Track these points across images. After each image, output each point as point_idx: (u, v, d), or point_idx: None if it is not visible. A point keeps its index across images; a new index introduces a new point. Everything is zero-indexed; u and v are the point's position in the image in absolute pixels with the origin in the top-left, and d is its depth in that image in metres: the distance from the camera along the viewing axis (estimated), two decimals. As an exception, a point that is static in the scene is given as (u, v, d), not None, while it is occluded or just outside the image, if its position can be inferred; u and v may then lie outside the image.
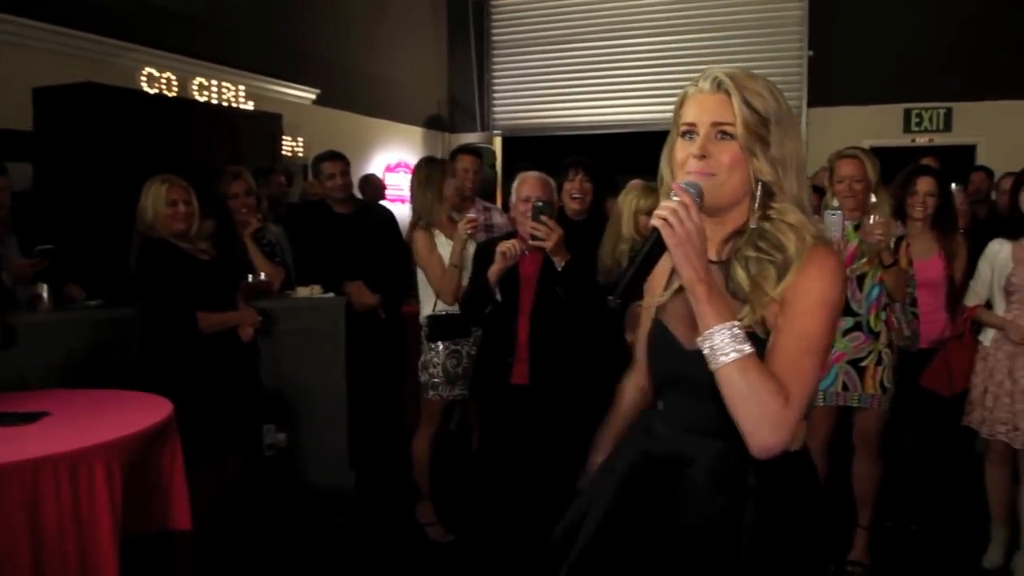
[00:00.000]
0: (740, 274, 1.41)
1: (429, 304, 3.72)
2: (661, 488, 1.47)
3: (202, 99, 5.36)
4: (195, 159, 4.71)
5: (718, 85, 1.42)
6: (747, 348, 1.31)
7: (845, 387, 3.31)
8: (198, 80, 5.34)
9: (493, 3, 8.42)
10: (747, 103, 1.39)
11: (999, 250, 3.32)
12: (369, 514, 3.99)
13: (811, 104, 7.27)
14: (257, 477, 3.73)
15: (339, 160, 4.28)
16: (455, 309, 3.58)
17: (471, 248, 3.55)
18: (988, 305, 3.40)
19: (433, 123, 8.23)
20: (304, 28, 6.39)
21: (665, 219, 1.30)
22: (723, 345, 1.31)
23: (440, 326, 3.65)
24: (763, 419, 1.31)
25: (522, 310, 3.26)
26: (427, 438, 3.75)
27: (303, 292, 4.03)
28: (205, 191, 3.57)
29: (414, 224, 3.90)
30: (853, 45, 7.10)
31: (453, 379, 3.65)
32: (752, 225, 1.42)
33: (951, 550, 3.66)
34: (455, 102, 8.50)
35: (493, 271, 3.19)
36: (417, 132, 7.99)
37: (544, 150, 7.62)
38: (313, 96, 6.33)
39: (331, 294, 4.06)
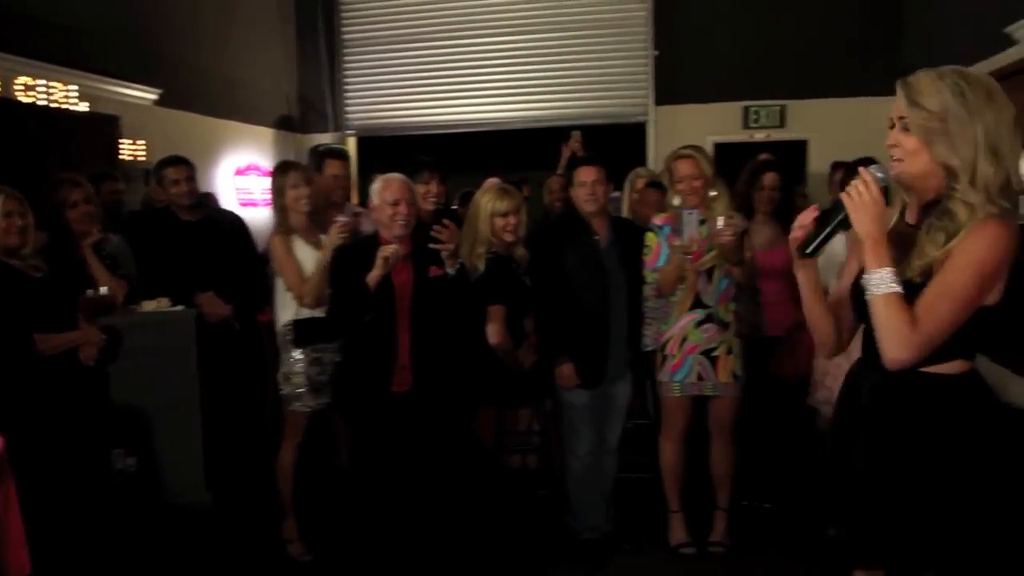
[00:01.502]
0: (919, 234, 1.81)
1: (289, 310, 3.60)
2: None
3: (28, 100, 4.96)
4: (22, 166, 4.34)
5: (899, 87, 1.82)
6: (895, 287, 1.74)
7: (700, 377, 3.45)
8: (23, 79, 4.93)
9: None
10: (913, 101, 1.78)
11: (834, 239, 3.54)
12: (230, 534, 3.81)
13: (658, 102, 7.53)
14: (108, 505, 3.50)
15: (183, 165, 4.07)
16: (319, 312, 3.48)
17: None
18: (827, 292, 3.61)
19: (284, 124, 7.98)
20: (143, 23, 6.03)
21: (848, 193, 1.79)
22: (878, 282, 1.75)
23: (305, 329, 3.54)
24: (892, 339, 1.74)
25: (400, 316, 3.22)
26: (291, 451, 3.63)
27: (149, 306, 3.80)
28: (34, 201, 3.31)
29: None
30: (695, 46, 7.40)
31: (318, 388, 3.54)
32: (942, 201, 1.78)
33: (802, 524, 3.87)
34: (306, 102, 8.27)
35: (374, 276, 3.13)
36: (267, 133, 7.72)
37: (399, 150, 7.56)
38: (155, 96, 5.99)
39: (180, 307, 3.85)
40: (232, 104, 7.07)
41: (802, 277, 2.08)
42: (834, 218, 1.86)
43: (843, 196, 1.81)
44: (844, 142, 6.32)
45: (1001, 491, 1.81)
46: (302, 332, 3.55)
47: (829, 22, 7.21)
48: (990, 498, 1.80)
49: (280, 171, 3.75)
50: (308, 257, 3.59)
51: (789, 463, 4.07)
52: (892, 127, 1.84)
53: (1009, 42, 4.86)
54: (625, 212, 4.51)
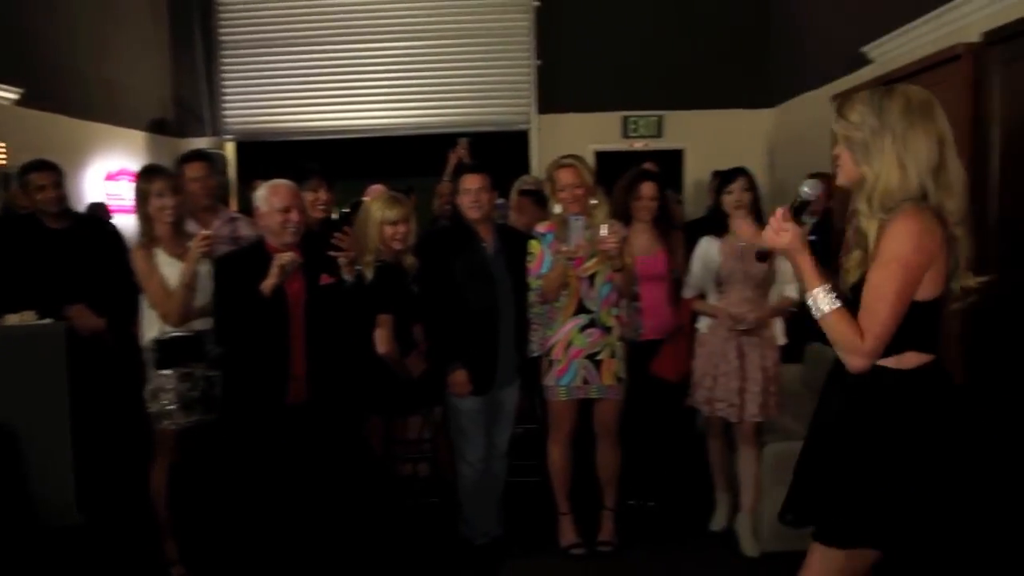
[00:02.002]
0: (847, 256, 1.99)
1: (154, 327, 3.39)
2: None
3: None
4: None
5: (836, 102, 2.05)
6: (834, 304, 1.90)
7: (585, 381, 3.54)
8: None
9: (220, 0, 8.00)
10: (840, 114, 1.96)
11: (709, 246, 3.70)
12: (105, 558, 3.63)
13: (541, 111, 7.65)
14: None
15: (50, 170, 3.85)
16: (184, 331, 3.34)
17: (204, 267, 3.36)
18: (704, 296, 3.77)
19: (158, 127, 7.66)
20: (1, 17, 5.67)
21: (767, 233, 1.99)
22: (817, 304, 1.92)
23: (169, 351, 3.34)
24: (846, 351, 1.91)
25: (294, 326, 3.15)
26: (164, 470, 3.45)
27: (13, 320, 3.58)
28: None
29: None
30: (577, 56, 7.57)
31: (189, 405, 3.37)
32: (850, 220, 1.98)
33: (685, 520, 4.03)
34: (182, 105, 7.96)
35: (269, 285, 3.05)
36: (140, 137, 7.39)
37: (282, 156, 7.39)
38: (15, 96, 5.63)
39: (48, 320, 3.64)
40: (101, 105, 6.74)
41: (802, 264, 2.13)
42: (800, 209, 2.03)
43: (766, 236, 2.00)
44: (717, 151, 6.61)
45: (948, 479, 1.92)
46: (167, 353, 3.35)
47: (703, 38, 7.52)
48: (939, 485, 1.92)
49: (145, 176, 3.50)
50: (173, 271, 3.37)
51: (672, 462, 4.23)
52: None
53: (865, 61, 5.21)
54: (512, 218, 4.56)
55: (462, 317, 3.52)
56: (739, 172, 3.65)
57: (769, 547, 3.66)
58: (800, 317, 4.19)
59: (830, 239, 5.01)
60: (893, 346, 1.91)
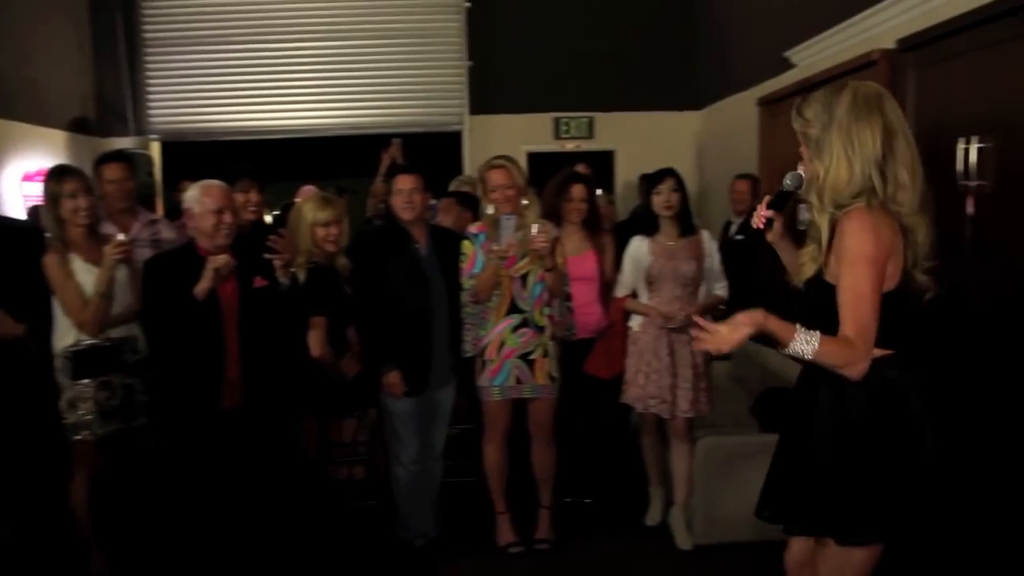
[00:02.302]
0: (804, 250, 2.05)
1: (67, 335, 3.26)
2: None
3: None
4: None
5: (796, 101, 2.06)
6: (816, 338, 1.87)
7: (519, 380, 3.56)
8: None
9: (143, -6, 7.78)
10: (798, 112, 2.04)
11: (639, 245, 3.77)
12: (30, 572, 3.51)
13: (473, 111, 7.66)
14: None
15: None
16: (101, 340, 3.24)
17: (121, 273, 3.27)
18: (635, 295, 3.84)
19: (78, 126, 7.41)
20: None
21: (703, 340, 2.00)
22: (800, 346, 1.88)
23: (84, 361, 3.23)
24: (844, 364, 1.90)
25: (227, 330, 3.10)
26: (84, 483, 3.34)
27: (-75, 327, 3.43)
28: None
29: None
30: (509, 58, 7.60)
31: (108, 414, 3.26)
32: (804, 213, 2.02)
33: (621, 515, 4.09)
34: (104, 103, 7.72)
35: (203, 288, 2.99)
36: (60, 136, 7.14)
37: (210, 156, 7.22)
38: (-77, 94, 5.41)
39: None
40: (16, 103, 6.49)
41: (783, 253, 2.28)
42: (781, 200, 2.15)
43: (701, 342, 2.01)
44: (647, 153, 6.73)
45: (907, 470, 1.98)
46: (81, 364, 3.23)
47: (633, 41, 7.64)
48: (902, 477, 1.98)
49: (55, 177, 3.31)
50: (89, 278, 3.24)
51: (606, 459, 4.29)
52: None
53: (789, 65, 5.36)
54: (439, 220, 4.50)
55: (396, 318, 3.52)
56: (667, 173, 3.73)
57: (702, 540, 3.75)
58: (728, 314, 4.31)
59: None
60: None
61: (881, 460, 1.98)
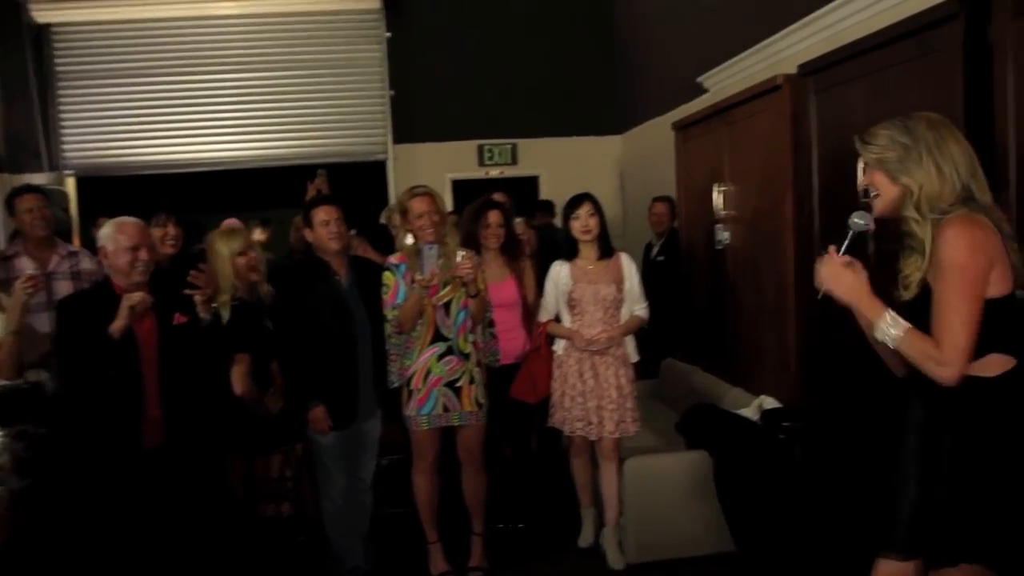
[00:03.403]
0: (901, 260, 2.03)
1: None
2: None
3: None
4: None
5: (857, 138, 2.11)
6: (904, 325, 1.94)
7: (446, 408, 3.56)
8: None
9: (55, 28, 7.59)
10: (864, 142, 2.08)
11: (560, 270, 3.82)
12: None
13: (397, 141, 7.68)
14: None
15: None
16: (15, 382, 3.14)
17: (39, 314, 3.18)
18: (558, 319, 3.88)
19: (-11, 164, 7.19)
20: None
21: (822, 276, 2.06)
22: (887, 329, 1.95)
23: (6, 404, 3.13)
24: (928, 366, 1.91)
25: (147, 368, 3.03)
26: None
27: None
28: None
29: None
30: (431, 86, 7.67)
31: (24, 466, 3.11)
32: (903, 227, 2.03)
33: (554, 539, 4.11)
34: (15, 139, 7.50)
35: (118, 327, 2.91)
36: (-32, 174, 6.92)
37: (129, 191, 7.08)
38: None
39: None
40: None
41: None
42: (855, 243, 2.11)
43: (821, 278, 2.07)
44: (571, 177, 6.83)
45: None
46: (3, 407, 3.13)
47: (554, 69, 7.79)
48: None
49: None
50: None
51: (537, 483, 4.30)
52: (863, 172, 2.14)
53: (701, 90, 5.53)
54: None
55: (319, 352, 3.48)
56: (584, 198, 3.79)
57: (634, 559, 3.79)
58: (650, 334, 4.40)
59: (680, 257, 5.27)
60: (976, 350, 1.92)
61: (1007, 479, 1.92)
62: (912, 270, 2.00)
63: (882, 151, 2.03)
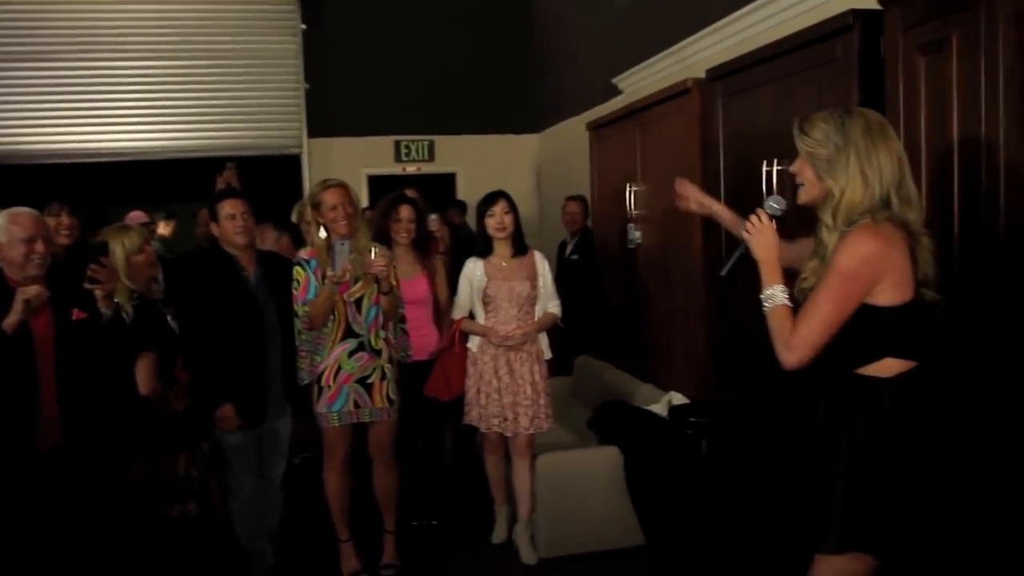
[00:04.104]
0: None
1: None
2: None
3: None
4: None
5: (796, 123, 2.12)
6: (783, 301, 2.06)
7: (357, 405, 3.53)
8: None
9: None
10: (803, 131, 2.08)
11: (474, 267, 3.83)
12: None
13: (311, 135, 7.56)
14: None
15: None
16: None
17: None
18: (472, 316, 3.89)
19: None
20: None
21: (746, 227, 2.15)
22: (770, 297, 2.07)
23: None
24: (777, 344, 2.04)
25: (43, 366, 2.90)
26: None
27: None
28: None
29: None
30: (347, 81, 7.58)
31: None
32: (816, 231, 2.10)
33: (467, 535, 4.12)
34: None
35: (12, 323, 2.78)
36: None
37: (23, 180, 6.76)
38: None
39: None
40: None
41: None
42: (737, 249, 2.23)
43: (743, 229, 2.17)
44: (488, 174, 6.87)
45: (931, 484, 1.99)
46: None
47: (473, 66, 7.79)
48: (923, 490, 1.98)
49: None
50: None
51: (450, 480, 4.31)
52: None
53: (616, 91, 5.62)
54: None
55: (226, 349, 3.40)
56: (499, 195, 3.81)
57: (546, 553, 3.83)
58: (564, 332, 4.46)
59: (593, 255, 5.35)
60: (871, 354, 2.01)
61: (904, 476, 1.99)
62: (810, 273, 2.08)
63: (815, 146, 2.05)
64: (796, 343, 2.00)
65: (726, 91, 3.64)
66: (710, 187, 3.79)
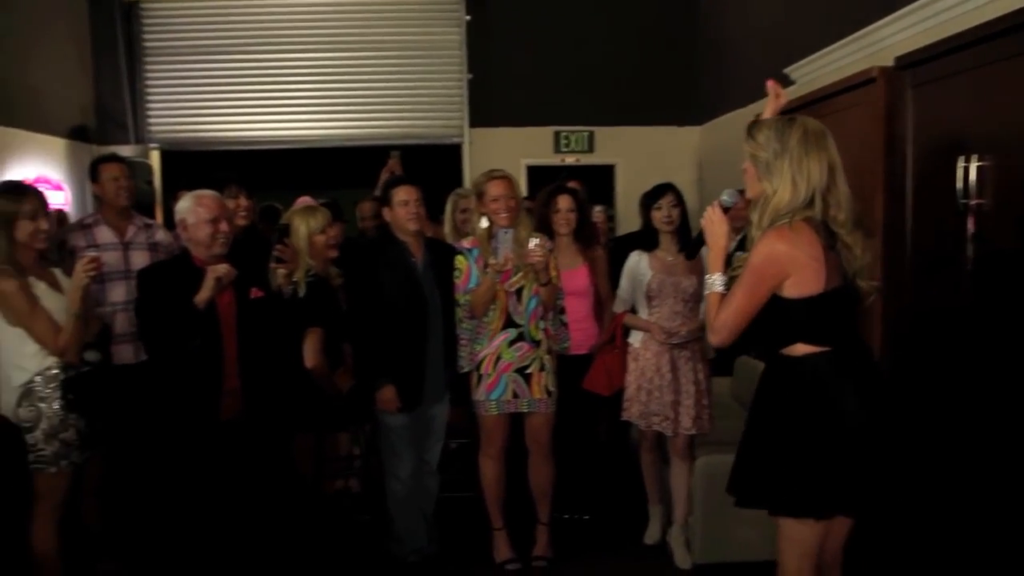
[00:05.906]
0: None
1: (26, 367, 2.97)
2: None
3: None
4: None
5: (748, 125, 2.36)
6: (719, 288, 2.32)
7: (515, 395, 3.53)
8: None
9: (144, 5, 7.78)
10: (749, 134, 2.31)
11: (638, 261, 3.75)
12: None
13: (473, 124, 7.65)
14: None
15: None
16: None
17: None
18: (634, 310, 3.81)
19: (78, 134, 7.39)
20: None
21: (703, 218, 2.40)
22: (711, 283, 2.35)
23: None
24: (708, 325, 2.35)
25: (227, 340, 3.09)
26: (53, 520, 3.04)
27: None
28: None
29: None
30: (509, 71, 7.60)
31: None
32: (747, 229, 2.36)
33: (619, 533, 4.06)
34: (104, 112, 7.71)
35: (203, 298, 2.98)
36: (59, 143, 7.13)
37: (208, 165, 7.21)
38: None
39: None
40: (16, 111, 6.49)
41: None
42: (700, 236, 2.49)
43: (704, 218, 2.42)
44: (647, 167, 6.73)
45: (836, 448, 2.21)
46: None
47: (633, 55, 7.64)
48: (829, 453, 2.21)
49: (10, 195, 3.00)
50: (51, 303, 3.00)
51: (605, 475, 4.25)
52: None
53: (788, 82, 5.35)
54: (447, 231, 4.47)
55: (391, 333, 3.48)
56: (667, 188, 3.72)
57: (701, 559, 3.71)
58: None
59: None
60: (786, 339, 2.29)
61: (797, 441, 2.24)
62: (738, 265, 2.42)
63: (757, 148, 2.27)
64: (718, 326, 2.29)
65: (916, 80, 3.38)
66: (894, 186, 3.55)
